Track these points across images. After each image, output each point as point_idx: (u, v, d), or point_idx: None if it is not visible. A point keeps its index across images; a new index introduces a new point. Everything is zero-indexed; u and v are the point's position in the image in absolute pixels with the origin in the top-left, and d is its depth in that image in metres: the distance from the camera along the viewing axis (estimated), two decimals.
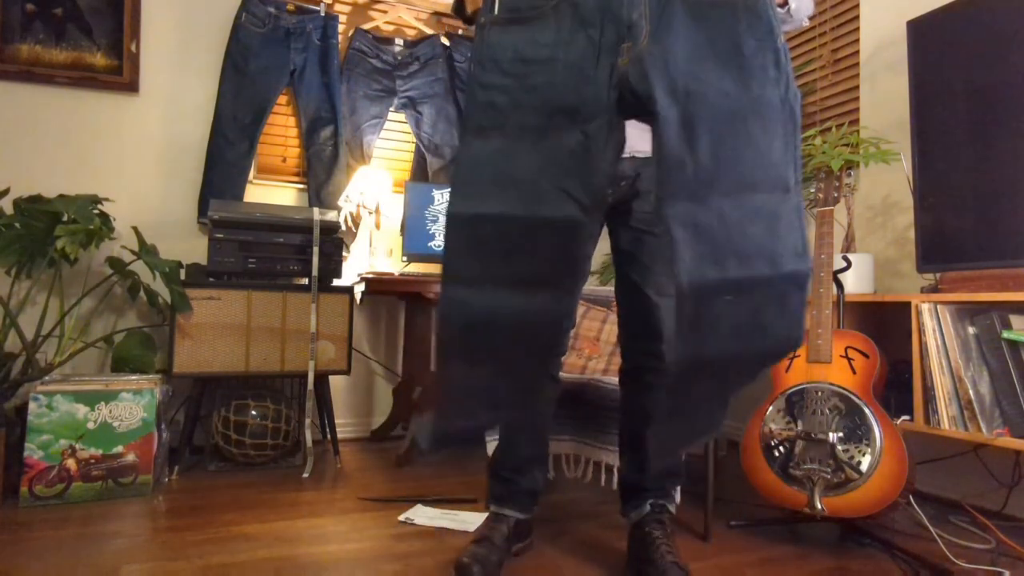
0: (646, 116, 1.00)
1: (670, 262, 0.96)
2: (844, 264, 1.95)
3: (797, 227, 1.00)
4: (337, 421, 2.62)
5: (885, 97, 2.30)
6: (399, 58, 3.06)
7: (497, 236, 1.02)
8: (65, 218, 2.15)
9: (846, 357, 1.70)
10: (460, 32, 3.21)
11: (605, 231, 1.47)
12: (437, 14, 3.21)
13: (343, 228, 2.71)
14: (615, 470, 1.75)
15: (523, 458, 1.54)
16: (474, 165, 1.05)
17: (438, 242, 2.81)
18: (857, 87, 2.42)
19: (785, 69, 1.04)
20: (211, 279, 2.39)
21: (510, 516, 1.51)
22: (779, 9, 1.16)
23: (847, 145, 2.00)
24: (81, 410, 1.96)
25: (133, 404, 2.02)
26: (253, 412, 2.34)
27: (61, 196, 2.27)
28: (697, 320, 0.97)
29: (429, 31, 3.16)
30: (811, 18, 1.27)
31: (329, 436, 2.55)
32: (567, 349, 1.54)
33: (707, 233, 0.97)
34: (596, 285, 3.11)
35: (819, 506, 1.57)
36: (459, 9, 1.24)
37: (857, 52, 2.43)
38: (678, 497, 1.56)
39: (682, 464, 1.57)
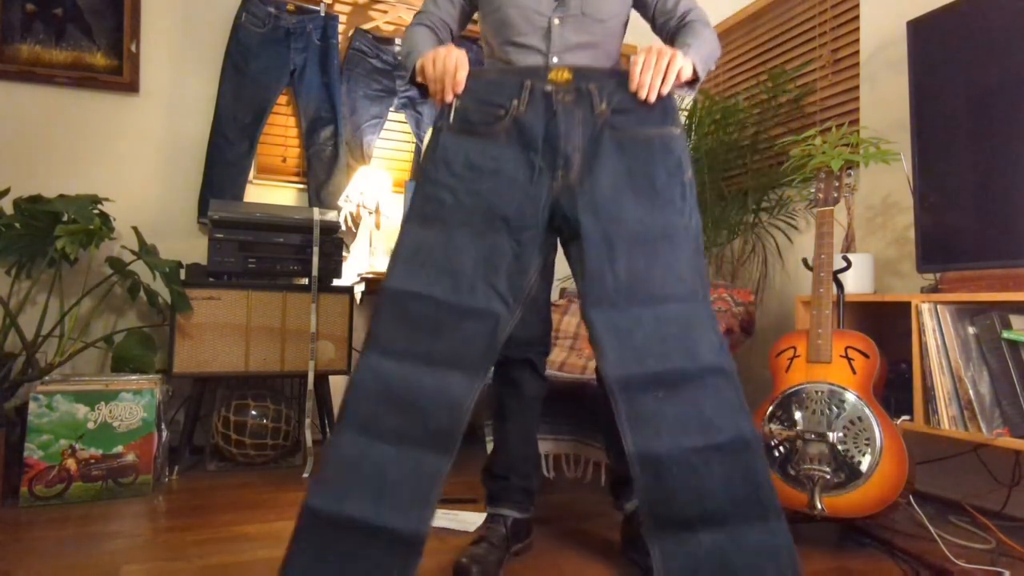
0: (572, 235, 1.18)
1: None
2: (844, 264, 1.95)
3: (712, 329, 1.12)
4: None
5: (885, 97, 2.30)
6: (399, 58, 3.06)
7: (426, 315, 1.11)
8: (65, 218, 2.15)
9: (846, 357, 1.70)
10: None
11: None
12: None
13: (343, 228, 2.71)
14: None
15: (515, 457, 1.56)
16: (415, 249, 1.16)
17: None
18: (857, 87, 2.42)
19: (689, 201, 1.19)
20: (211, 279, 2.39)
21: (507, 515, 1.52)
22: (687, 88, 1.30)
23: (847, 145, 2.00)
24: (81, 410, 1.96)
25: (133, 404, 2.02)
26: (253, 412, 2.34)
27: (61, 196, 2.27)
28: (635, 417, 1.07)
29: None
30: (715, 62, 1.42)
31: (329, 436, 2.55)
32: (551, 348, 1.56)
33: (627, 335, 1.10)
34: None
35: (819, 506, 1.57)
36: (412, 79, 1.35)
37: (857, 52, 2.43)
38: None
39: None
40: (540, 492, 2.06)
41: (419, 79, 1.31)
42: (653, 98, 1.19)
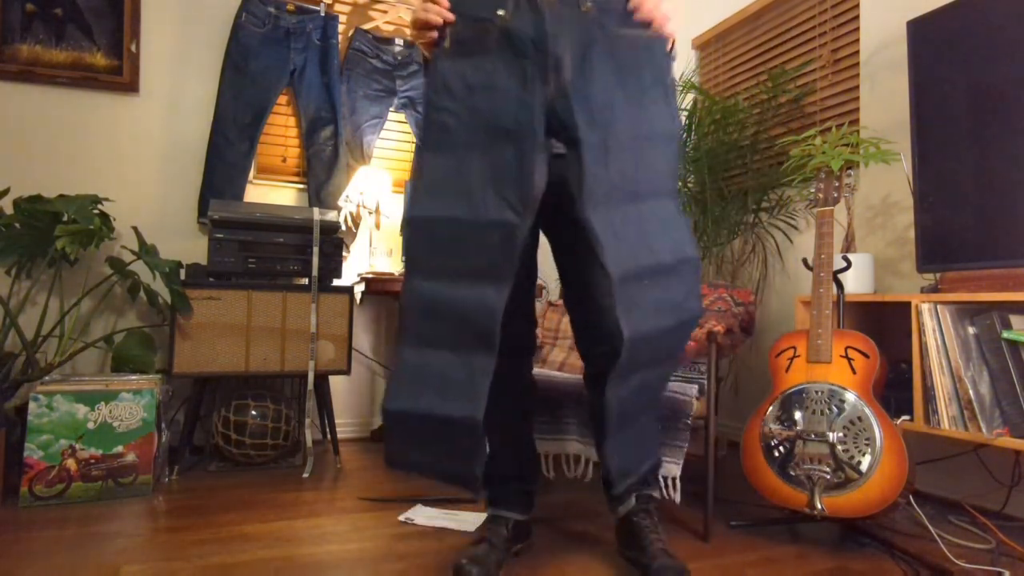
0: (570, 141, 1.23)
1: (598, 257, 1.21)
2: (844, 264, 1.95)
3: (682, 224, 1.29)
4: (337, 421, 2.62)
5: (885, 97, 2.30)
6: (399, 58, 3.06)
7: (449, 235, 1.21)
8: (65, 218, 2.15)
9: (846, 357, 1.70)
10: None
11: None
12: None
13: (343, 228, 2.71)
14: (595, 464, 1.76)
15: (515, 460, 1.55)
16: (432, 178, 1.24)
17: None
18: (857, 87, 2.42)
19: (671, 104, 1.29)
20: (211, 279, 2.39)
21: (508, 517, 1.52)
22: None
23: (847, 145, 2.00)
24: (81, 410, 1.96)
25: (133, 404, 2.02)
26: (253, 412, 2.34)
27: (61, 196, 2.27)
28: (629, 303, 1.21)
29: None
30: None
31: (329, 436, 2.55)
32: (535, 348, 1.58)
33: (621, 232, 1.22)
34: None
35: (819, 506, 1.57)
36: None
37: (857, 52, 2.43)
38: (661, 485, 1.63)
39: (656, 449, 1.59)
40: (540, 492, 2.06)
41: (412, 37, 1.36)
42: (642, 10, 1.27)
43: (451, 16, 1.25)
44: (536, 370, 1.98)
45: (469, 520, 1.79)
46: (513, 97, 1.21)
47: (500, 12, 1.21)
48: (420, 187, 1.24)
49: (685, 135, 2.79)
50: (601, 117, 1.22)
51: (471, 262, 1.19)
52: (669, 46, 1.35)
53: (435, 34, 1.26)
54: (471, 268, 1.19)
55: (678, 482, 1.67)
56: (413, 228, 1.23)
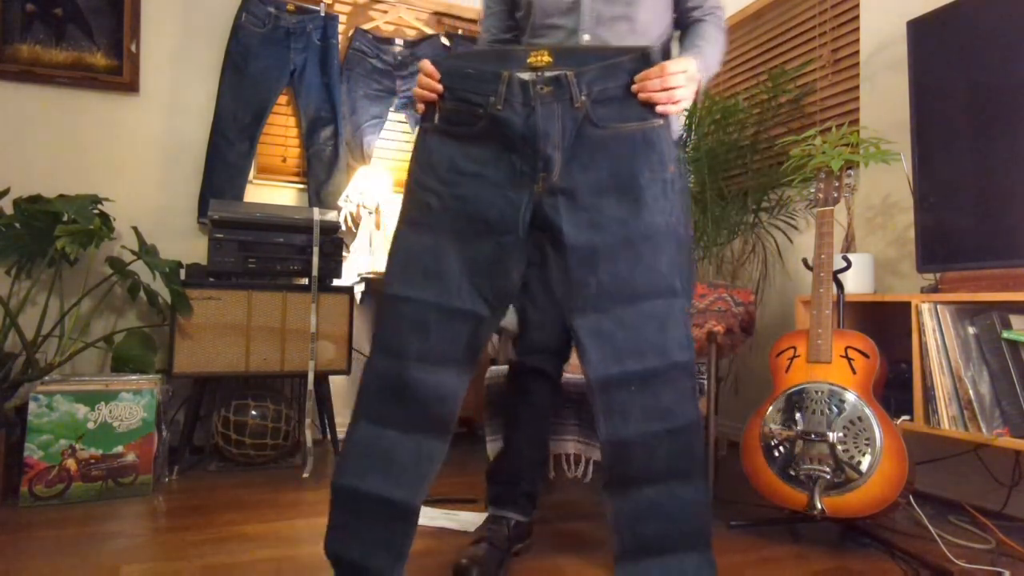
0: (555, 242, 1.19)
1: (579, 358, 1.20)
2: (844, 264, 1.95)
3: (682, 324, 1.19)
4: (337, 421, 2.62)
5: (885, 97, 2.30)
6: (399, 58, 3.06)
7: (418, 318, 1.19)
8: (65, 218, 2.15)
9: (846, 357, 1.69)
10: (460, 32, 3.21)
11: None
12: (437, 14, 3.21)
13: (343, 228, 2.71)
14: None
15: (523, 463, 1.55)
16: (407, 256, 1.22)
17: None
18: (857, 87, 2.42)
19: (671, 198, 1.20)
20: (211, 279, 2.39)
21: (510, 518, 1.52)
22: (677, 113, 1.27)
23: (847, 145, 2.00)
24: (81, 410, 1.96)
25: (133, 404, 2.02)
26: (253, 412, 2.34)
27: (61, 196, 2.27)
28: (608, 408, 1.18)
29: (429, 31, 3.16)
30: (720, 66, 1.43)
31: (329, 436, 2.55)
32: (570, 354, 1.58)
33: (609, 338, 1.18)
34: None
35: (819, 506, 1.57)
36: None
37: (857, 52, 2.43)
38: None
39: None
40: (540, 492, 2.07)
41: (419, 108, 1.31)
42: (649, 99, 1.18)
43: (439, 89, 1.21)
44: None
45: (469, 520, 1.79)
46: (500, 191, 1.18)
47: (491, 99, 1.17)
48: (395, 264, 1.23)
49: (685, 135, 2.79)
50: (589, 219, 1.18)
51: (434, 347, 1.18)
52: (679, 126, 1.28)
53: (423, 107, 1.24)
54: (434, 352, 1.18)
55: None
56: (383, 304, 1.22)
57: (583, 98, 1.17)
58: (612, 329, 1.17)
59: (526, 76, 1.17)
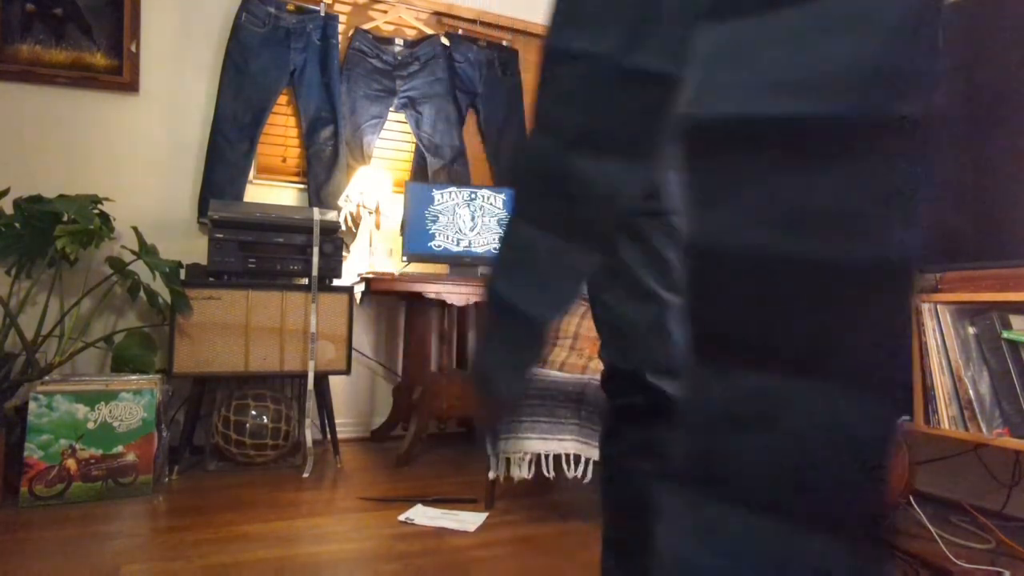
0: None
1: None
2: None
3: None
4: (337, 421, 2.62)
5: None
6: (399, 58, 3.06)
7: None
8: (65, 218, 2.15)
9: None
10: (460, 32, 3.21)
11: None
12: (437, 14, 3.21)
13: (343, 228, 2.71)
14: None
15: None
16: None
17: (438, 242, 2.81)
18: None
19: None
20: (211, 279, 2.38)
21: None
22: None
23: None
24: (81, 410, 1.96)
25: (133, 404, 2.02)
26: (253, 412, 2.34)
27: (61, 196, 2.27)
28: None
29: (429, 31, 3.16)
30: None
31: (329, 436, 2.55)
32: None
33: None
34: None
35: None
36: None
37: None
38: None
39: None
40: (540, 492, 2.07)
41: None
42: None
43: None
44: (536, 370, 1.98)
45: (469, 520, 1.79)
46: None
47: None
48: None
49: None
50: None
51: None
52: None
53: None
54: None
55: None
56: None
57: None
58: None
59: None
